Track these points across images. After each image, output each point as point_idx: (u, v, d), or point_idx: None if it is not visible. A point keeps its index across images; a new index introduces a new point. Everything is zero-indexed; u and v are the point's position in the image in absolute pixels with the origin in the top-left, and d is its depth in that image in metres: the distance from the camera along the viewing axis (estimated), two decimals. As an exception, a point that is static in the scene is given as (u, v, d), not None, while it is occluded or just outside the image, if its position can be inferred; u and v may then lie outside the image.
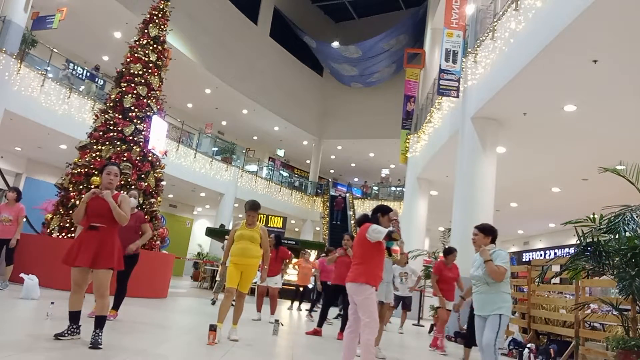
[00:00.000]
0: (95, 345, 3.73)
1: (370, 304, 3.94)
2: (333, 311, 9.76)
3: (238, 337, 5.21)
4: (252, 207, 5.32)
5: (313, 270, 12.74)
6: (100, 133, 9.35)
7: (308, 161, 28.07)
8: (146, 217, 8.82)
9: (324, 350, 5.88)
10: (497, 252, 4.24)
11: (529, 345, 7.22)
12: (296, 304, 12.19)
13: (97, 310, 3.90)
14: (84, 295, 4.03)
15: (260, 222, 6.06)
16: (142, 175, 9.40)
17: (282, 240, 8.74)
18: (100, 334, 3.80)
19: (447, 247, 7.79)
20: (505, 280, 4.18)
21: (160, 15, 10.50)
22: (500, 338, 4.09)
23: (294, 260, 12.43)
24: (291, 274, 14.38)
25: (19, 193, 7.46)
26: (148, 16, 10.44)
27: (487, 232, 4.37)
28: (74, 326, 3.92)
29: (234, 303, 5.39)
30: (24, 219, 7.52)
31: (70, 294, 3.97)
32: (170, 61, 13.05)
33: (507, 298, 4.20)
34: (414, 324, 12.40)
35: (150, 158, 9.69)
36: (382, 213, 4.18)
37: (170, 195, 21.44)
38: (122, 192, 4.29)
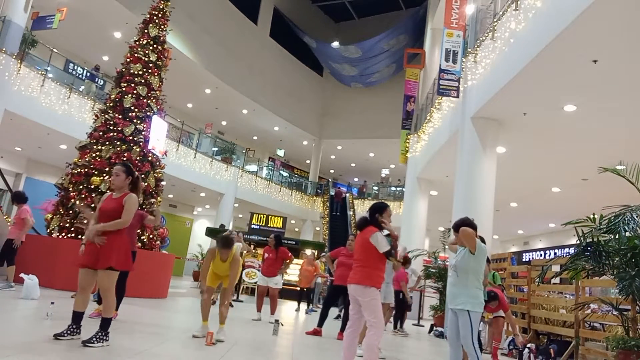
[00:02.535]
0: (86, 342, 3.75)
1: (376, 305, 3.98)
2: (334, 312, 9.75)
3: (224, 337, 5.04)
4: (225, 245, 5.04)
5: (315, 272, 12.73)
6: (100, 133, 9.35)
7: (308, 161, 28.05)
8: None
9: (324, 350, 5.88)
10: (478, 243, 4.32)
11: (529, 345, 7.22)
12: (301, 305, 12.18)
13: (103, 312, 3.97)
14: (89, 297, 4.08)
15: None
16: (142, 175, 9.39)
17: (282, 241, 8.73)
18: (99, 334, 3.82)
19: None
20: (475, 276, 4.22)
21: (160, 15, 10.49)
22: (475, 334, 4.12)
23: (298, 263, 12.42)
24: (291, 274, 14.38)
25: (15, 196, 7.55)
26: (148, 16, 10.44)
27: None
28: (74, 326, 3.93)
29: (216, 301, 5.40)
30: (26, 221, 7.54)
31: (76, 294, 4.03)
32: (170, 61, 13.04)
33: (476, 294, 4.19)
34: (414, 324, 12.40)
35: (150, 158, 9.69)
36: (379, 213, 4.18)
37: (170, 195, 21.42)
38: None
